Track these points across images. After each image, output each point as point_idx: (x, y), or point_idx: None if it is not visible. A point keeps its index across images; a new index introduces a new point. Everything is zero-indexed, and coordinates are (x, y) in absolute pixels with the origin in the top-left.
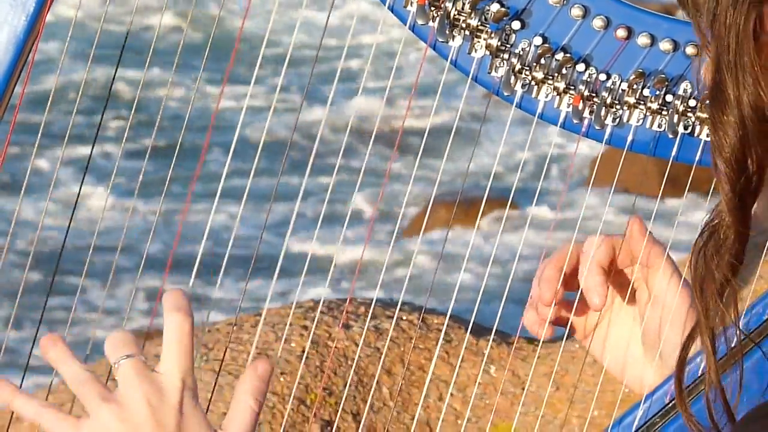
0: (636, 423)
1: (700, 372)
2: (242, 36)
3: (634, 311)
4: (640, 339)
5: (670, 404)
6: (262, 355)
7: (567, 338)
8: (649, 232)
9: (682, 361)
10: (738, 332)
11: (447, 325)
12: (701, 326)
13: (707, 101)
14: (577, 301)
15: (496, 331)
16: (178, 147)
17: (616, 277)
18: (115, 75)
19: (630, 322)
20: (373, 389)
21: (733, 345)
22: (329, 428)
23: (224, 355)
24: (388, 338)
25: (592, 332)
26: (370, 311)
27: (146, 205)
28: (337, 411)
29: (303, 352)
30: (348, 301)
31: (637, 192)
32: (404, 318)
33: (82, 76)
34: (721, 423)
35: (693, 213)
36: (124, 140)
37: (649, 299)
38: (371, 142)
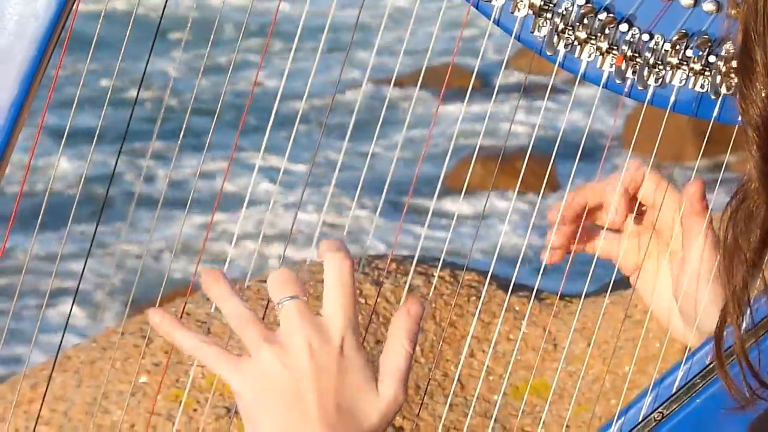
0: (677, 383)
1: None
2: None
3: (671, 269)
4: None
5: (711, 365)
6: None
7: (599, 294)
8: (699, 196)
9: (721, 329)
10: None
11: (478, 281)
12: (728, 298)
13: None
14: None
15: (528, 287)
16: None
17: (662, 225)
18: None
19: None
20: None
21: (764, 315)
22: None
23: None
24: (420, 295)
25: (635, 270)
26: (401, 267)
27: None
28: None
29: None
30: (386, 258)
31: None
32: (435, 274)
33: None
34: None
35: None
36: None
37: (683, 261)
38: (414, 95)
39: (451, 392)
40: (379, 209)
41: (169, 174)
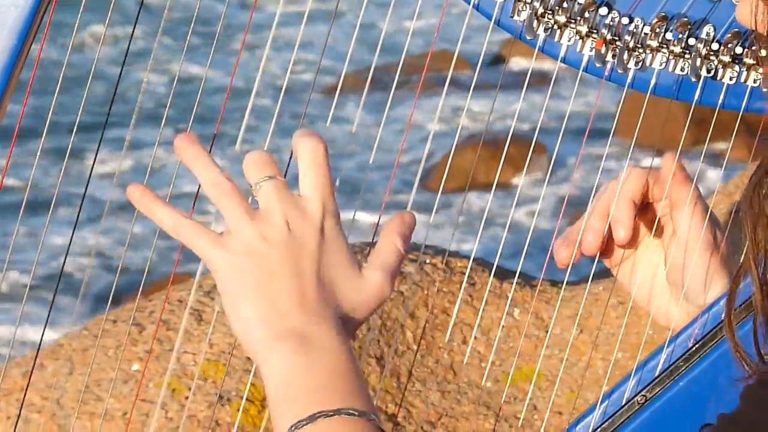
0: (660, 367)
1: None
2: None
3: (662, 244)
4: (666, 273)
5: (694, 348)
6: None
7: (591, 281)
8: (680, 167)
9: (733, 292)
10: None
11: (470, 269)
12: (749, 259)
13: (759, 42)
14: (607, 230)
15: (519, 273)
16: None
17: (646, 209)
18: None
19: (657, 254)
20: (396, 333)
21: None
22: None
23: None
24: (412, 282)
25: (621, 261)
26: None
27: None
28: (361, 355)
29: None
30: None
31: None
32: (428, 261)
33: None
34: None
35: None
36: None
37: (674, 235)
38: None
39: (444, 380)
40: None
41: (151, 164)
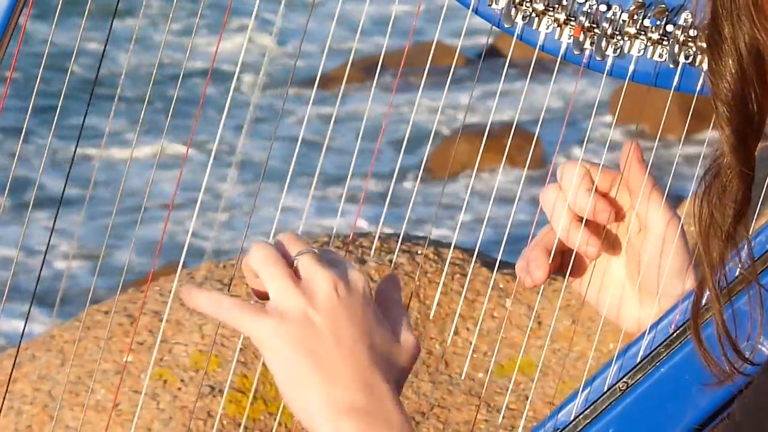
0: (641, 353)
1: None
2: None
3: (627, 252)
4: (634, 279)
5: (674, 334)
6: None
7: None
8: (637, 155)
9: (697, 306)
10: (745, 261)
11: (463, 259)
12: (705, 272)
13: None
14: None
15: (512, 264)
16: None
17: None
18: None
19: (618, 264)
20: None
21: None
22: None
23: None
24: (404, 273)
25: (585, 277)
26: (385, 245)
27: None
28: None
29: None
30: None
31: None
32: (419, 252)
33: None
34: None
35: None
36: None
37: (640, 232)
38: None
39: (436, 370)
40: (365, 186)
41: (130, 157)
